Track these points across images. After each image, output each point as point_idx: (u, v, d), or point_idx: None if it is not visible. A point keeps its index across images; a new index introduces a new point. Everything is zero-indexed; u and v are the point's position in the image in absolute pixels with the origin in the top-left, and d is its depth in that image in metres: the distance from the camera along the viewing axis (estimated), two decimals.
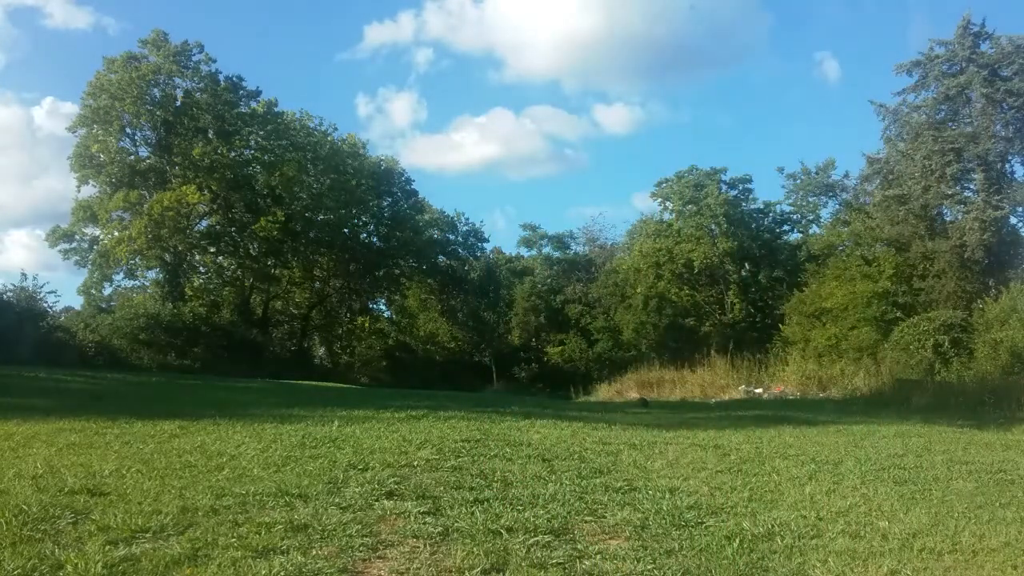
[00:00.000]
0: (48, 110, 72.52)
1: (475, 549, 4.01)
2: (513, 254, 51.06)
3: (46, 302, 24.82)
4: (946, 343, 20.27)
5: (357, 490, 5.37)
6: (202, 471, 5.93)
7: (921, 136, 24.31)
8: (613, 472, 6.65)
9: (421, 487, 5.59)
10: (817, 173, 35.90)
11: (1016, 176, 24.53)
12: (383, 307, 43.30)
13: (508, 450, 7.61)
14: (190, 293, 32.79)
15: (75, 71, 75.55)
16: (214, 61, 31.64)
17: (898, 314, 23.98)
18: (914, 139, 24.72)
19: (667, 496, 5.57)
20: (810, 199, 37.85)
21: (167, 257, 31.37)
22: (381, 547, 4.09)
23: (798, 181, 36.75)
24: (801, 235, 39.85)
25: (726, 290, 38.52)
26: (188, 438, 7.67)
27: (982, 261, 23.02)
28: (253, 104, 33.07)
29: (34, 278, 24.45)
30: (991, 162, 23.67)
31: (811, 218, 39.28)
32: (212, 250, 34.20)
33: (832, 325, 25.83)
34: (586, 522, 4.80)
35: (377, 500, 5.12)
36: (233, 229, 33.71)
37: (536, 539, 4.26)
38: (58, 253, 32.18)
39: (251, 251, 34.56)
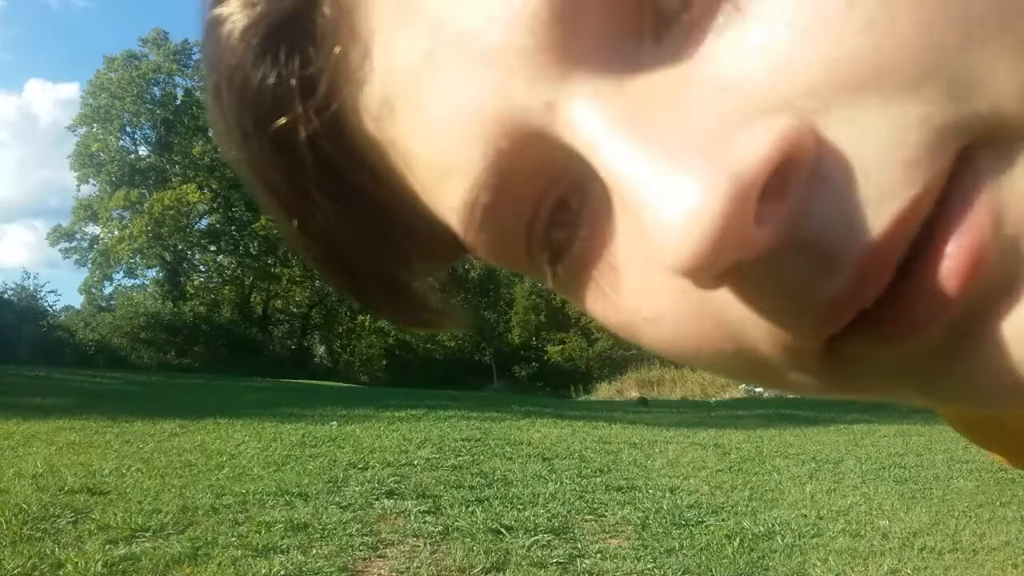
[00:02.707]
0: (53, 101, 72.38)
1: (475, 548, 4.01)
2: None
3: (46, 301, 24.88)
4: None
5: (357, 489, 5.37)
6: (202, 470, 5.93)
7: None
8: (613, 471, 6.65)
9: (421, 486, 5.59)
10: None
11: None
12: None
13: (508, 449, 7.61)
14: (191, 291, 32.82)
15: (75, 60, 75.27)
16: None
17: None
18: None
19: (667, 495, 5.57)
20: None
21: (167, 256, 31.40)
22: (381, 546, 4.09)
23: None
24: None
25: None
26: (188, 437, 7.67)
27: None
28: None
29: (34, 277, 24.52)
30: None
31: None
32: (212, 249, 34.24)
33: None
34: (586, 521, 4.80)
35: (377, 499, 5.13)
36: (233, 228, 33.72)
37: (536, 538, 4.26)
38: (59, 252, 32.31)
39: (251, 250, 34.57)
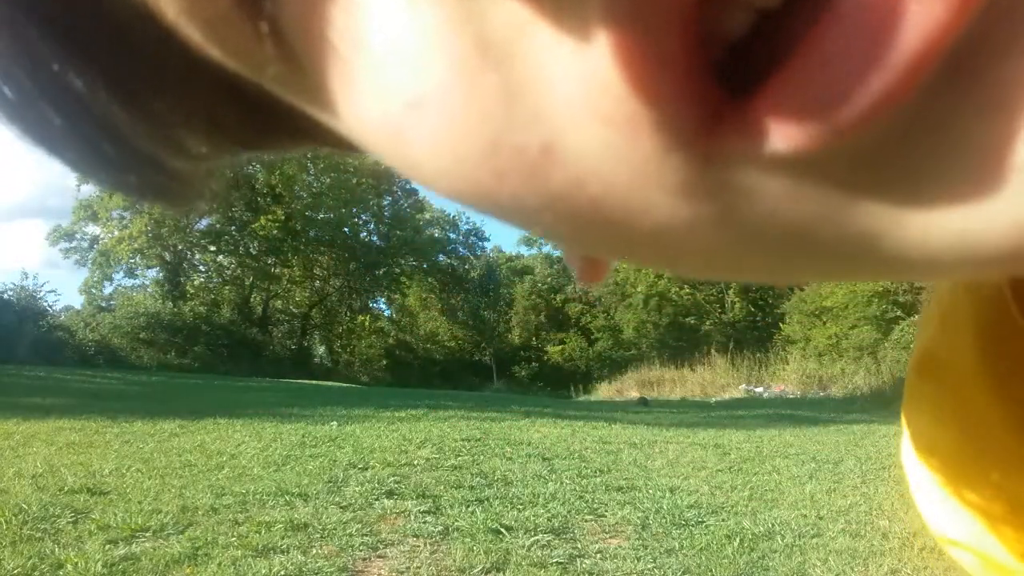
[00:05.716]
0: None
1: (475, 548, 4.01)
2: (513, 253, 51.15)
3: (46, 301, 24.88)
4: None
5: (357, 489, 5.37)
6: (202, 470, 5.93)
7: None
8: (613, 471, 6.65)
9: (421, 486, 5.59)
10: None
11: None
12: (383, 306, 43.36)
13: (508, 449, 7.62)
14: (191, 292, 32.82)
15: None
16: None
17: (899, 313, 23.99)
18: None
19: (667, 495, 5.57)
20: None
21: (167, 256, 31.40)
22: (381, 546, 4.09)
23: None
24: None
25: (726, 289, 38.54)
26: (188, 437, 7.67)
27: None
28: None
29: (34, 277, 24.57)
30: None
31: None
32: (212, 249, 34.23)
33: (833, 324, 25.87)
34: (586, 521, 4.80)
35: (377, 499, 5.12)
36: (233, 228, 33.71)
37: (536, 538, 4.26)
38: (59, 252, 32.31)
39: (251, 250, 34.57)
